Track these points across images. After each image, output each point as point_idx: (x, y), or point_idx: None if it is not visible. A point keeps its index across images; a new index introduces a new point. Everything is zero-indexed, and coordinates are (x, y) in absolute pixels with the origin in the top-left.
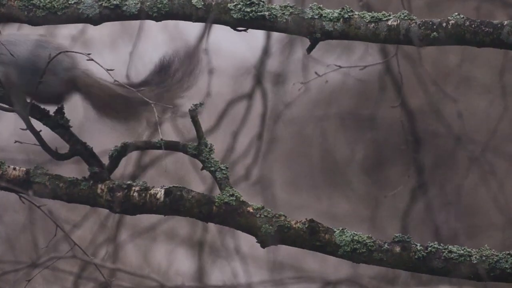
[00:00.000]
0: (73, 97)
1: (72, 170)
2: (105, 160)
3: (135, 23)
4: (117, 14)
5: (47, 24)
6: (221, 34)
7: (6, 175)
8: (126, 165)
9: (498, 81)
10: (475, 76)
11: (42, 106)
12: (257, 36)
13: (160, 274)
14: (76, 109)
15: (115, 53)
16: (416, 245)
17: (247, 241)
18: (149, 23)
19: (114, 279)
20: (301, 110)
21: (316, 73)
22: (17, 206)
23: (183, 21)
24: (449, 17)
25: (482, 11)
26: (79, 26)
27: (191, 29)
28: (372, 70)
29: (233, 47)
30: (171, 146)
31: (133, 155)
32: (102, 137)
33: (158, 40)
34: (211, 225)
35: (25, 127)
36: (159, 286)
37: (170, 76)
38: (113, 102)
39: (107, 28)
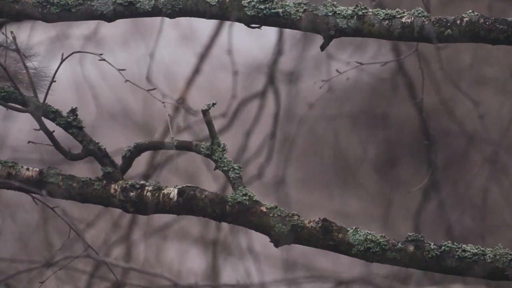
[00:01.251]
0: (87, 98)
1: (84, 170)
2: (118, 160)
3: (148, 22)
4: (131, 11)
5: (61, 21)
6: (233, 32)
7: (19, 175)
8: (139, 165)
9: (511, 80)
10: (488, 75)
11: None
12: (268, 35)
13: (173, 273)
14: (89, 109)
15: (127, 51)
16: (430, 244)
17: (260, 240)
18: (164, 22)
19: (126, 279)
20: (313, 109)
21: (337, 70)
22: (30, 206)
23: (196, 20)
24: (463, 15)
25: (494, 10)
26: (92, 25)
27: (204, 27)
28: (384, 69)
29: (245, 46)
30: (184, 146)
31: (146, 155)
32: (115, 138)
33: (171, 38)
34: (223, 224)
35: (38, 127)
36: (172, 285)
37: None
38: None
39: (120, 27)
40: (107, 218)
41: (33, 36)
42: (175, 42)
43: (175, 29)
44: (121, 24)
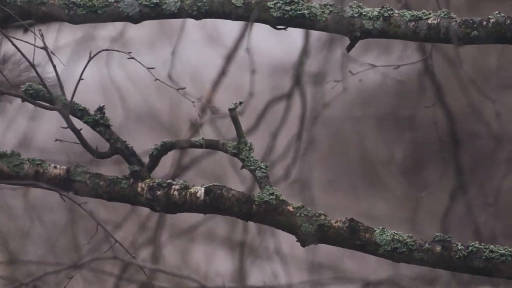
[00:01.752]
0: (113, 99)
1: (111, 169)
2: (145, 159)
3: (174, 23)
4: (156, 12)
5: (87, 22)
6: (258, 33)
7: (46, 174)
8: (166, 165)
9: None
10: None
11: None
12: (294, 36)
13: (200, 275)
14: (116, 111)
15: (153, 53)
16: (457, 245)
17: (287, 242)
18: (188, 23)
19: (154, 280)
20: (339, 111)
21: (350, 71)
22: (57, 207)
23: (222, 21)
24: (489, 16)
25: None
26: (118, 27)
27: (229, 29)
28: (410, 70)
29: (270, 47)
30: (211, 145)
31: (173, 155)
32: (141, 139)
33: (197, 40)
34: (250, 226)
35: (65, 125)
36: (200, 287)
37: None
38: None
39: (146, 29)
40: (134, 219)
41: (60, 38)
42: (201, 43)
43: (201, 30)
44: (148, 26)
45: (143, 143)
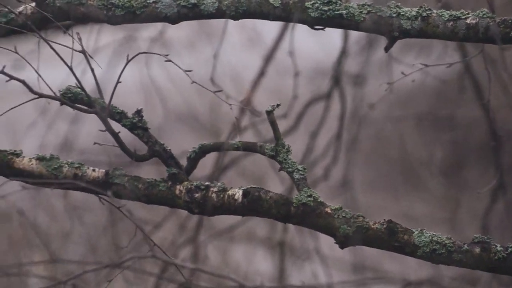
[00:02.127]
0: (154, 100)
1: (148, 172)
2: (183, 162)
3: (213, 23)
4: (194, 13)
5: (125, 23)
6: (297, 34)
7: (85, 176)
8: (206, 165)
9: None
10: None
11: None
12: (332, 37)
13: (239, 275)
14: (156, 111)
15: (193, 54)
16: (496, 246)
17: (326, 242)
18: (227, 24)
19: (193, 279)
20: (379, 111)
21: (402, 73)
22: (97, 208)
23: (261, 22)
24: None
25: None
26: (158, 27)
27: (269, 29)
28: (450, 70)
29: (309, 48)
30: (249, 147)
31: (213, 156)
32: (181, 140)
33: (236, 41)
34: (290, 226)
35: (104, 128)
36: (239, 286)
37: None
38: None
39: (185, 29)
40: (174, 220)
41: (101, 38)
42: (240, 44)
43: (240, 31)
44: (187, 26)
45: (183, 144)
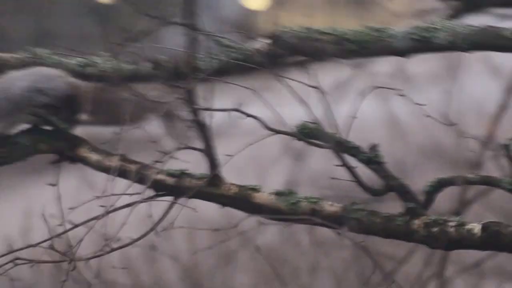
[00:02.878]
0: (396, 134)
1: (381, 207)
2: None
3: (455, 56)
4: (427, 46)
5: (357, 57)
6: None
7: (323, 211)
8: (446, 200)
9: None
10: None
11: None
12: None
13: None
14: (397, 142)
15: (438, 87)
16: None
17: None
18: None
19: None
20: None
21: None
22: (343, 243)
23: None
24: None
25: None
26: (393, 62)
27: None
28: None
29: None
30: (487, 182)
31: (456, 189)
32: (425, 173)
33: (479, 72)
34: None
35: (339, 163)
36: None
37: None
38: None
39: (428, 63)
40: (419, 254)
41: (331, 74)
42: (483, 76)
43: (483, 62)
44: (430, 60)
45: (426, 177)
